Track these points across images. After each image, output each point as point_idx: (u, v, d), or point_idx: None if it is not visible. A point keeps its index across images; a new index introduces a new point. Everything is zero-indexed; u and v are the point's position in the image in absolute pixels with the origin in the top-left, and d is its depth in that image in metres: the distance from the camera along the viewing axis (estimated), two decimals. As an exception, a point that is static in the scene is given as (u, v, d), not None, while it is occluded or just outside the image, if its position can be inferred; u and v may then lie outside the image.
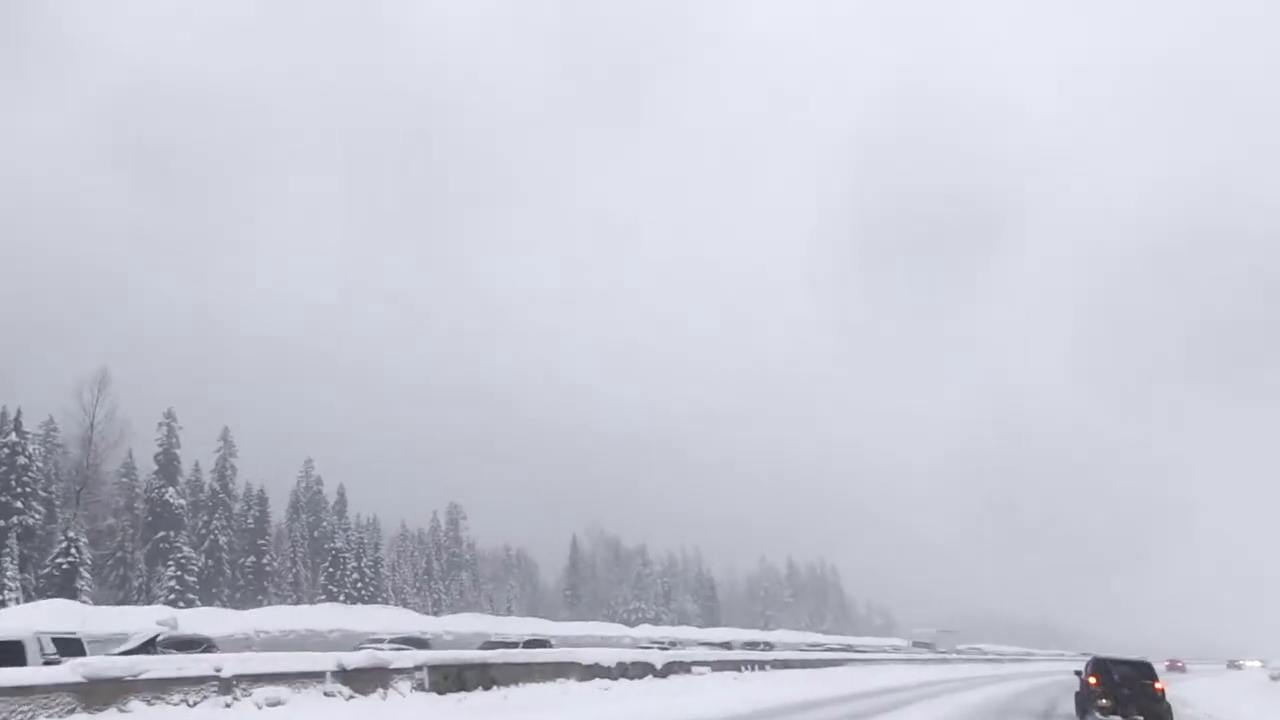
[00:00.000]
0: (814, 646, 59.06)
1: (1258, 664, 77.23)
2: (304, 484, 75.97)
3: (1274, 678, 50.96)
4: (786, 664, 37.21)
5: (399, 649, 25.78)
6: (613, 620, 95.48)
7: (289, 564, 68.71)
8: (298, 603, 60.29)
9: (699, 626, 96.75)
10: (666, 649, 37.34)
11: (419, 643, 31.72)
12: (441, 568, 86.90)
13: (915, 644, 74.94)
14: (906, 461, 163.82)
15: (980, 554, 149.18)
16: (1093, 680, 24.00)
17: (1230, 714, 28.92)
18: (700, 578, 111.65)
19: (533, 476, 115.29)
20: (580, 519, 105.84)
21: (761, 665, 35.20)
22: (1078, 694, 25.20)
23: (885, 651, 64.10)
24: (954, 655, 70.09)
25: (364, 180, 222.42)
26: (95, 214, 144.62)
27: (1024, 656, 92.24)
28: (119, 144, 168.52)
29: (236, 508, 66.15)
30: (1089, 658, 27.71)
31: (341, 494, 79.57)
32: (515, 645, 29.81)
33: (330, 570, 67.29)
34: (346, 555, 68.56)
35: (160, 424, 60.37)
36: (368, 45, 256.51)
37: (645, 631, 64.78)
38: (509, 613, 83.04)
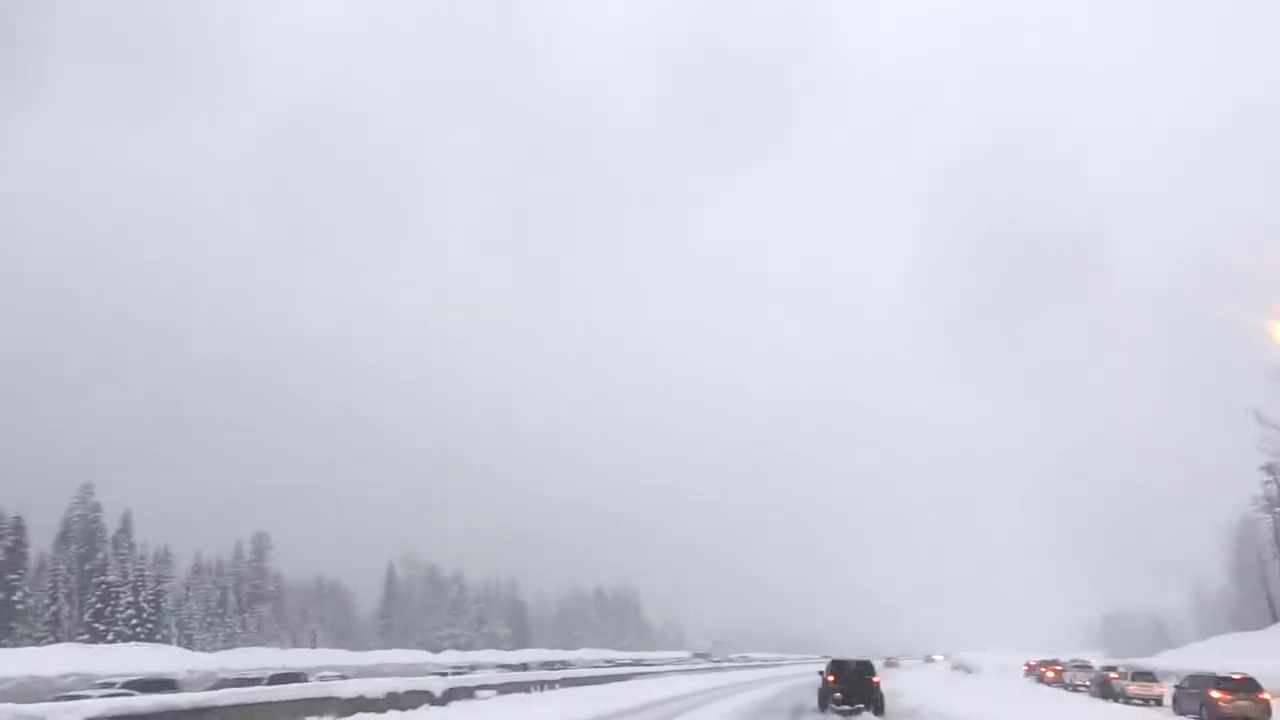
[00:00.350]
0: (608, 663, 65.86)
1: (942, 658, 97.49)
2: (78, 511, 72.07)
3: (953, 668, 66.31)
4: (577, 681, 40.26)
5: (128, 694, 23.31)
6: (424, 648, 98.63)
7: (47, 600, 65.72)
8: (56, 642, 57.91)
9: (509, 649, 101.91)
10: (462, 673, 38.17)
11: (165, 684, 28.16)
12: (241, 600, 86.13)
13: (695, 654, 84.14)
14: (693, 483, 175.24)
15: (747, 571, 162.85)
16: (830, 678, 29.38)
17: (925, 696, 37.34)
18: (513, 602, 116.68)
19: (350, 504, 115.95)
20: (398, 547, 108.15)
21: (552, 684, 37.60)
22: (820, 690, 30.17)
23: (669, 664, 72.45)
24: (726, 663, 79.94)
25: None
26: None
27: (777, 661, 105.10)
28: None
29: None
30: (828, 660, 32.74)
31: (126, 522, 75.68)
32: (257, 682, 27.32)
33: (99, 606, 64.68)
34: (121, 589, 66.18)
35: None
36: (511, 72, 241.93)
37: (449, 657, 66.30)
38: (314, 645, 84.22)
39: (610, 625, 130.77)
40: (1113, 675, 38.42)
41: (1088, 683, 43.45)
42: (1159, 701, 33.48)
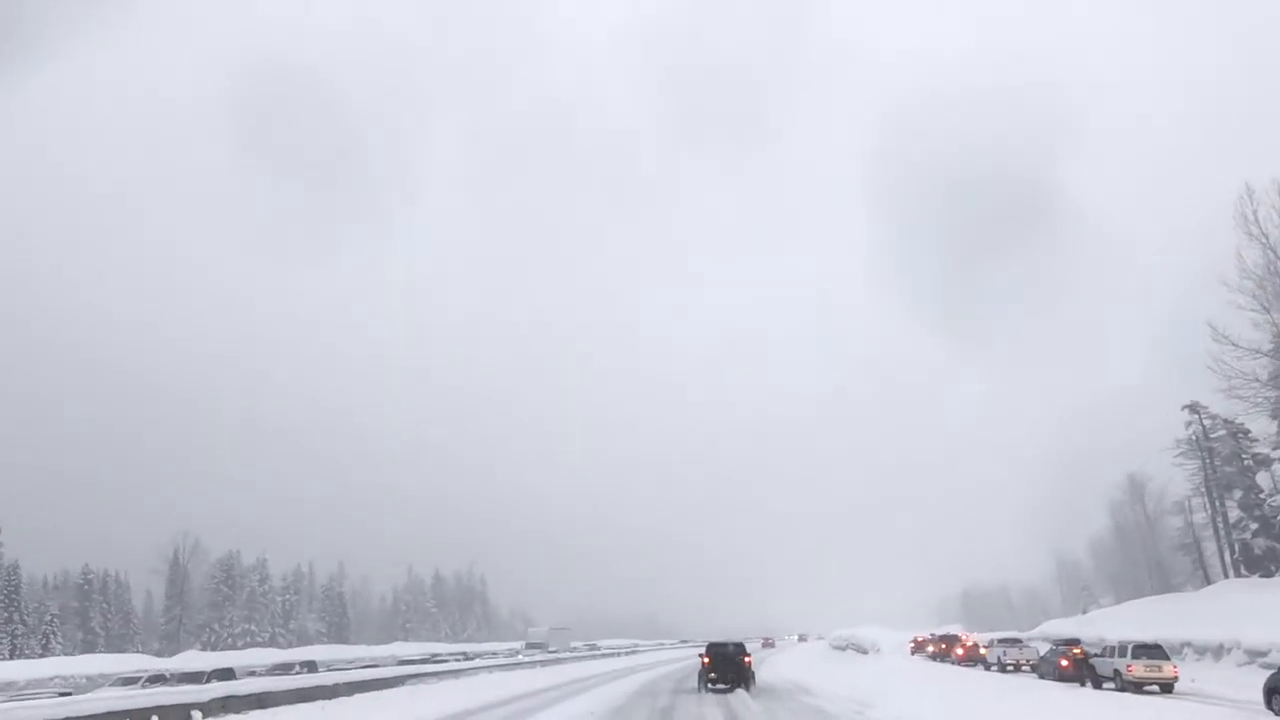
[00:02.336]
0: (404, 661, 51.99)
1: (817, 637, 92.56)
2: None
3: (834, 646, 56.23)
4: (261, 700, 22.50)
5: None
6: (214, 648, 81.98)
7: None
8: None
9: (325, 645, 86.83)
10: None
11: None
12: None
13: (529, 645, 71.01)
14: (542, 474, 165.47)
15: (604, 557, 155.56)
16: (705, 660, 30.75)
17: (807, 673, 36.64)
18: (329, 593, 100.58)
19: (123, 488, 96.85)
20: (183, 535, 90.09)
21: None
22: (700, 671, 31.12)
23: (490, 657, 59.24)
24: (567, 654, 67.56)
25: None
26: None
27: (631, 649, 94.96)
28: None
29: None
30: (707, 644, 32.94)
31: None
32: None
33: None
34: None
35: None
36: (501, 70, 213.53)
37: (184, 660, 49.86)
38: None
39: (450, 616, 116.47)
40: (1077, 651, 28.83)
41: (1024, 662, 34.29)
42: (1169, 688, 23.88)
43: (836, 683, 31.38)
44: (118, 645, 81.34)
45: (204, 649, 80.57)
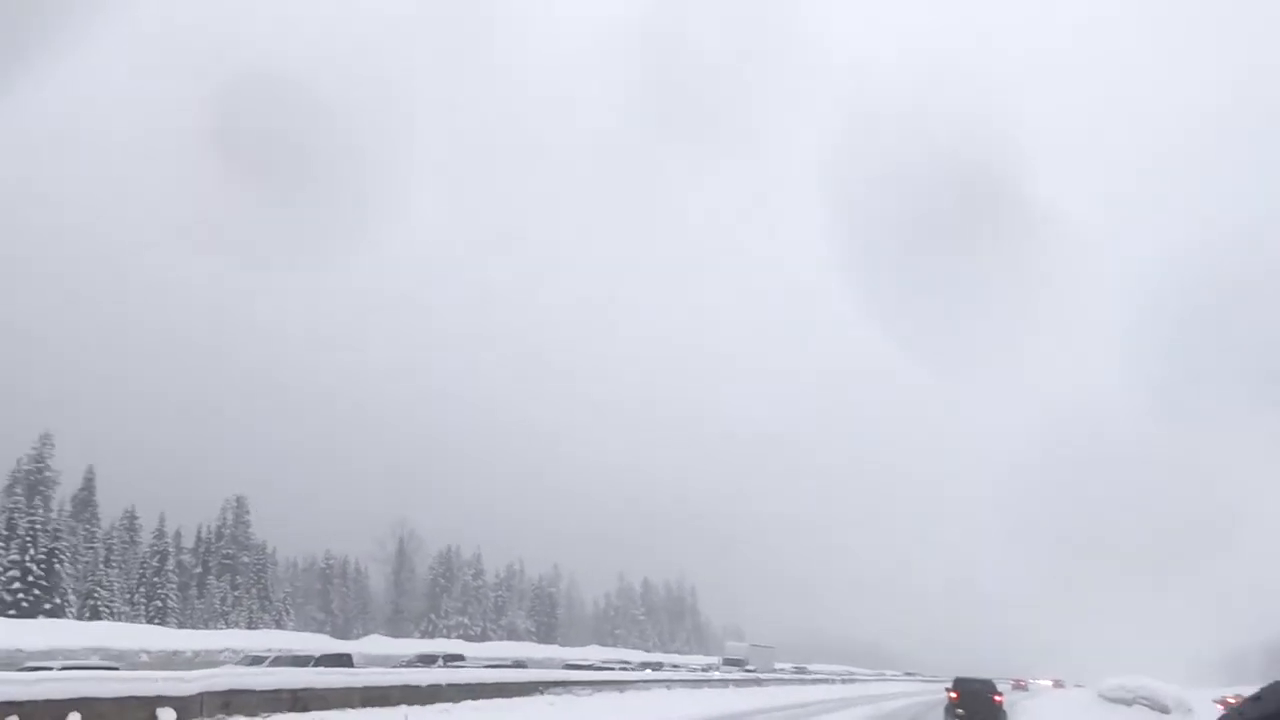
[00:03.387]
0: (571, 665, 48.35)
1: (1078, 685, 79.29)
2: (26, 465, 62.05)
3: (1107, 698, 45.05)
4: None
5: None
6: (429, 636, 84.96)
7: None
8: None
9: (537, 643, 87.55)
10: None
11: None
12: (208, 571, 73.65)
13: (726, 661, 65.48)
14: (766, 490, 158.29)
15: (824, 578, 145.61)
16: (952, 695, 30.16)
17: None
18: (539, 593, 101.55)
19: (352, 486, 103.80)
20: (403, 528, 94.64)
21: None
22: (946, 707, 30.41)
23: (673, 670, 54.52)
24: (767, 675, 61.43)
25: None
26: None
27: (849, 677, 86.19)
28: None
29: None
30: (954, 679, 32.22)
31: (89, 480, 67.43)
32: None
33: None
34: None
35: None
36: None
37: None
38: (282, 625, 71.56)
39: (658, 625, 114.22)
40: None
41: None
42: None
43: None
44: (346, 630, 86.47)
45: (422, 637, 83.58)
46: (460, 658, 38.37)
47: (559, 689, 30.30)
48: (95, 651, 33.29)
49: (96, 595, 59.08)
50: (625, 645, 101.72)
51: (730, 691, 44.30)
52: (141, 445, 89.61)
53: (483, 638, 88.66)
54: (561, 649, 73.79)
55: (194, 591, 70.75)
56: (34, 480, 63.19)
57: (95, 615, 56.33)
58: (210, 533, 77.02)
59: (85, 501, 68.82)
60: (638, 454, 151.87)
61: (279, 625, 77.09)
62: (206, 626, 65.71)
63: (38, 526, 55.61)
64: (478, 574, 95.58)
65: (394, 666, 33.66)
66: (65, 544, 58.56)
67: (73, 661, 21.66)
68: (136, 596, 63.65)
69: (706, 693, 40.74)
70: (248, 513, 78.35)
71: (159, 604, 64.27)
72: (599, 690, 33.37)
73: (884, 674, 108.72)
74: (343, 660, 27.10)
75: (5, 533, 54.35)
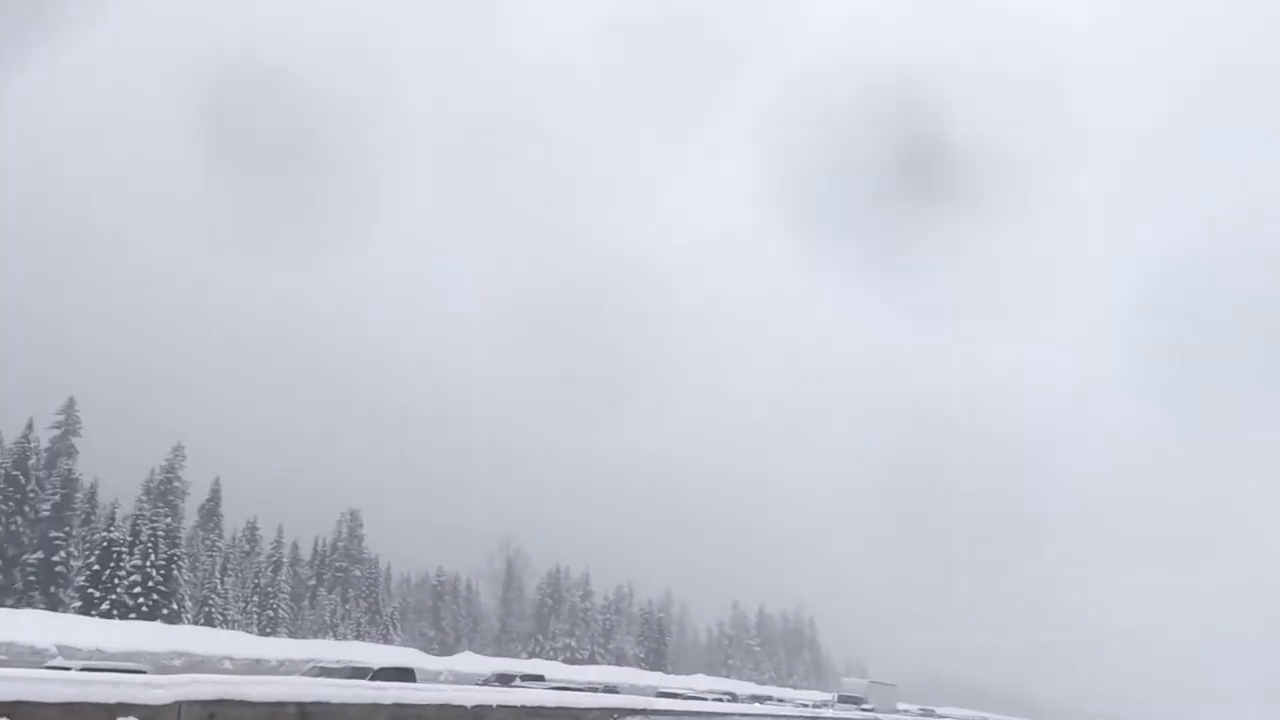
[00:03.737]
0: (665, 693, 45.10)
1: None
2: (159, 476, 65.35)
3: None
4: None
5: None
6: (538, 657, 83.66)
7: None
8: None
9: (643, 669, 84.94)
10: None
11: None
12: (321, 583, 74.84)
13: (841, 698, 60.31)
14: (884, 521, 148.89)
15: (964, 618, 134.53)
16: None
17: None
18: (648, 618, 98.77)
19: (462, 506, 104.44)
20: (509, 546, 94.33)
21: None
22: None
23: (779, 705, 50.28)
24: (887, 715, 56.22)
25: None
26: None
27: None
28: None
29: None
30: None
31: (216, 491, 69.94)
32: None
33: (96, 569, 54.24)
34: (121, 552, 54.80)
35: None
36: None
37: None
38: (389, 640, 71.77)
39: (774, 657, 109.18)
40: None
41: None
42: None
43: None
44: (454, 648, 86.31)
45: (529, 657, 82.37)
46: (540, 678, 36.32)
47: (636, 717, 27.59)
48: (179, 655, 32.97)
49: (211, 602, 60.65)
50: (739, 676, 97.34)
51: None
52: (269, 459, 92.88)
53: (590, 661, 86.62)
54: (666, 676, 70.68)
55: (306, 603, 71.93)
56: (164, 489, 66.19)
57: (209, 622, 57.71)
58: (325, 545, 78.70)
59: (211, 512, 71.36)
60: (762, 470, 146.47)
61: (386, 640, 77.48)
62: (315, 638, 66.65)
63: (159, 533, 57.67)
64: (585, 595, 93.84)
65: (471, 685, 31.87)
66: (185, 551, 60.56)
67: (95, 663, 20.84)
68: (250, 606, 65.07)
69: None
70: (361, 526, 79.52)
71: (271, 614, 65.47)
72: (684, 722, 30.56)
73: None
74: (404, 674, 25.39)
75: (130, 539, 56.56)
